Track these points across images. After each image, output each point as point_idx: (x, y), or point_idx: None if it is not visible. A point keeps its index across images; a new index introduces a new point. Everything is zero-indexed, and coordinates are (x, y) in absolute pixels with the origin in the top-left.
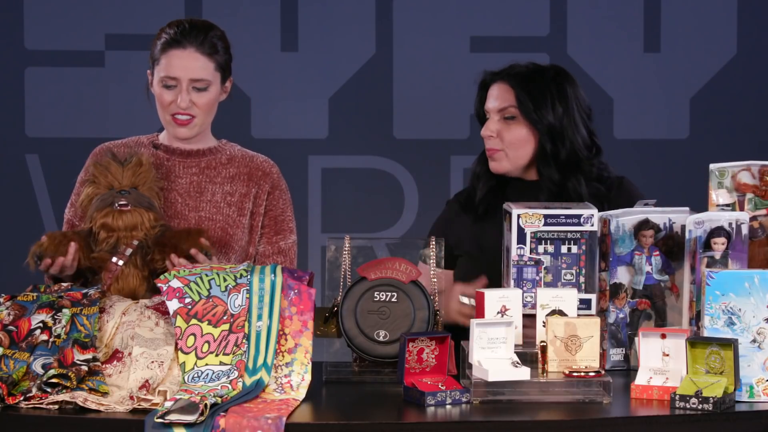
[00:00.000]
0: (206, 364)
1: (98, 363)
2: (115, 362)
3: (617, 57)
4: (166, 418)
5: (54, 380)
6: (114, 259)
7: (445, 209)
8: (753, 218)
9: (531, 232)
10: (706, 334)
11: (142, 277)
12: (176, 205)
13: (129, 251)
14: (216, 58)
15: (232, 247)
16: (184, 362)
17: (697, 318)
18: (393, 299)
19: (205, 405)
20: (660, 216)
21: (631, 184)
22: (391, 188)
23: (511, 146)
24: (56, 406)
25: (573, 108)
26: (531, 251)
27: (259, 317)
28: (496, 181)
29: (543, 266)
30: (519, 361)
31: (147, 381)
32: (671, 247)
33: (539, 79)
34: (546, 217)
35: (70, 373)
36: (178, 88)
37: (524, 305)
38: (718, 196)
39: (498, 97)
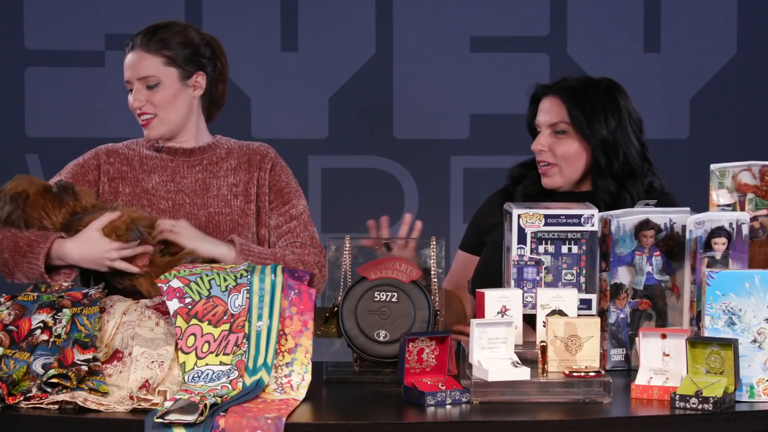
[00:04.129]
0: (206, 364)
1: (98, 363)
2: (115, 362)
3: (617, 57)
4: (166, 418)
5: (54, 380)
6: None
7: (493, 195)
8: (754, 218)
9: (531, 232)
10: (706, 334)
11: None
12: (185, 206)
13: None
14: (164, 53)
15: (245, 235)
16: (184, 362)
17: (697, 318)
18: (393, 299)
19: (205, 405)
20: (661, 216)
21: (676, 203)
22: (391, 188)
23: (564, 160)
24: (56, 406)
25: (625, 120)
26: (531, 251)
27: (260, 317)
28: (535, 189)
29: (543, 266)
30: (519, 361)
31: (147, 381)
32: (672, 247)
33: (591, 93)
34: (546, 217)
35: (70, 373)
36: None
37: (524, 305)
38: (719, 196)
39: (549, 112)
